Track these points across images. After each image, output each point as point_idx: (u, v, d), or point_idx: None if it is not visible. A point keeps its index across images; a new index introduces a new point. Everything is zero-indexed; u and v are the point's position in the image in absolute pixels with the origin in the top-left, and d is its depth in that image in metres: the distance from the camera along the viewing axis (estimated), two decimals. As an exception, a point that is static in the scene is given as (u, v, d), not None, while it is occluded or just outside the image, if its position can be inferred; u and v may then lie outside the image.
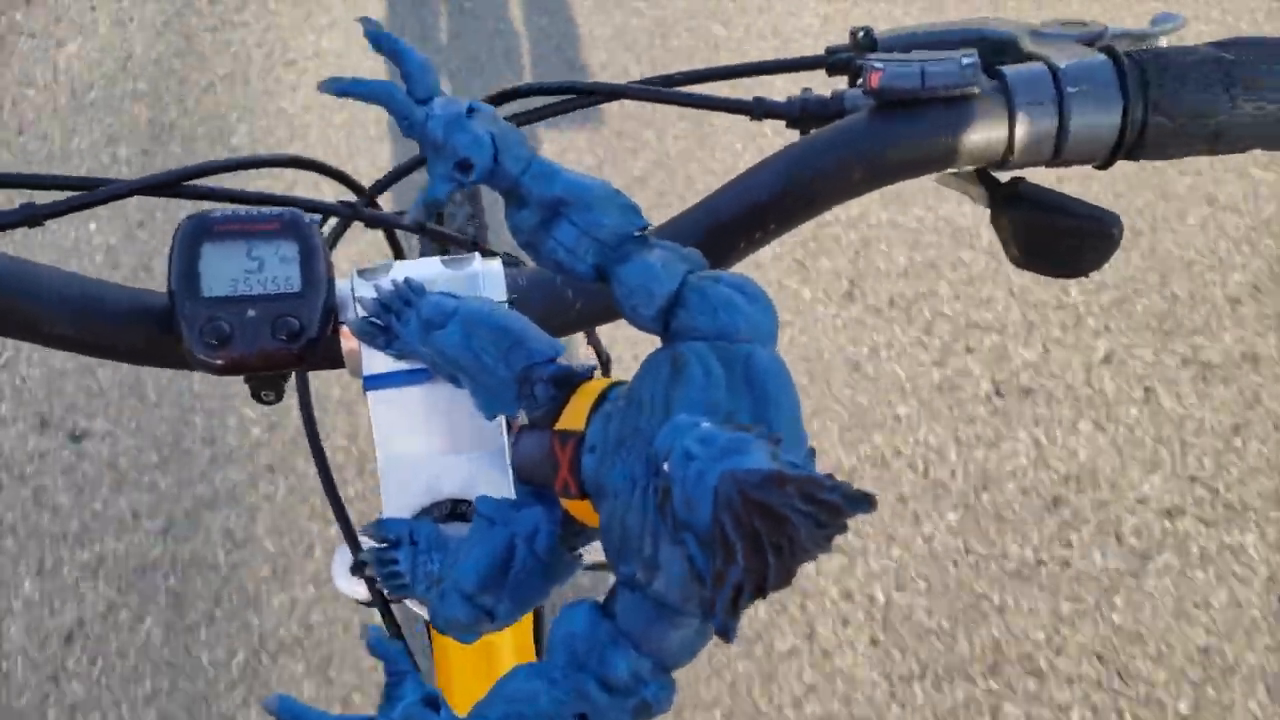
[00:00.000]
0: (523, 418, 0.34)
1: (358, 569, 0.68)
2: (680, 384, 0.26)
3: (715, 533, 0.21)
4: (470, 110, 0.29)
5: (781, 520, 0.20)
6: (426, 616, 0.44)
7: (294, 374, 0.48)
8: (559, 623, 0.27)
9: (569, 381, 0.32)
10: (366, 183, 0.52)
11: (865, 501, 0.20)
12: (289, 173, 1.66)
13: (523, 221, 0.30)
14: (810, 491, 0.20)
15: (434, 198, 0.28)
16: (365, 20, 0.29)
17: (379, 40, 0.28)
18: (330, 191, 1.61)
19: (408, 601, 0.44)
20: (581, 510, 0.31)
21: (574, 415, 0.31)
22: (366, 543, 0.50)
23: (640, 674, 0.26)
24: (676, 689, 0.27)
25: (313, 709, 0.22)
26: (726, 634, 0.23)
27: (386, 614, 0.47)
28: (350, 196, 0.53)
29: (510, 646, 0.56)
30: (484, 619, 0.32)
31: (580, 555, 0.34)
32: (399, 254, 0.62)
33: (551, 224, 0.30)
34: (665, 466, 0.23)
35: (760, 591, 0.22)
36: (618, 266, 0.29)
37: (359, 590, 0.66)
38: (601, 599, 0.28)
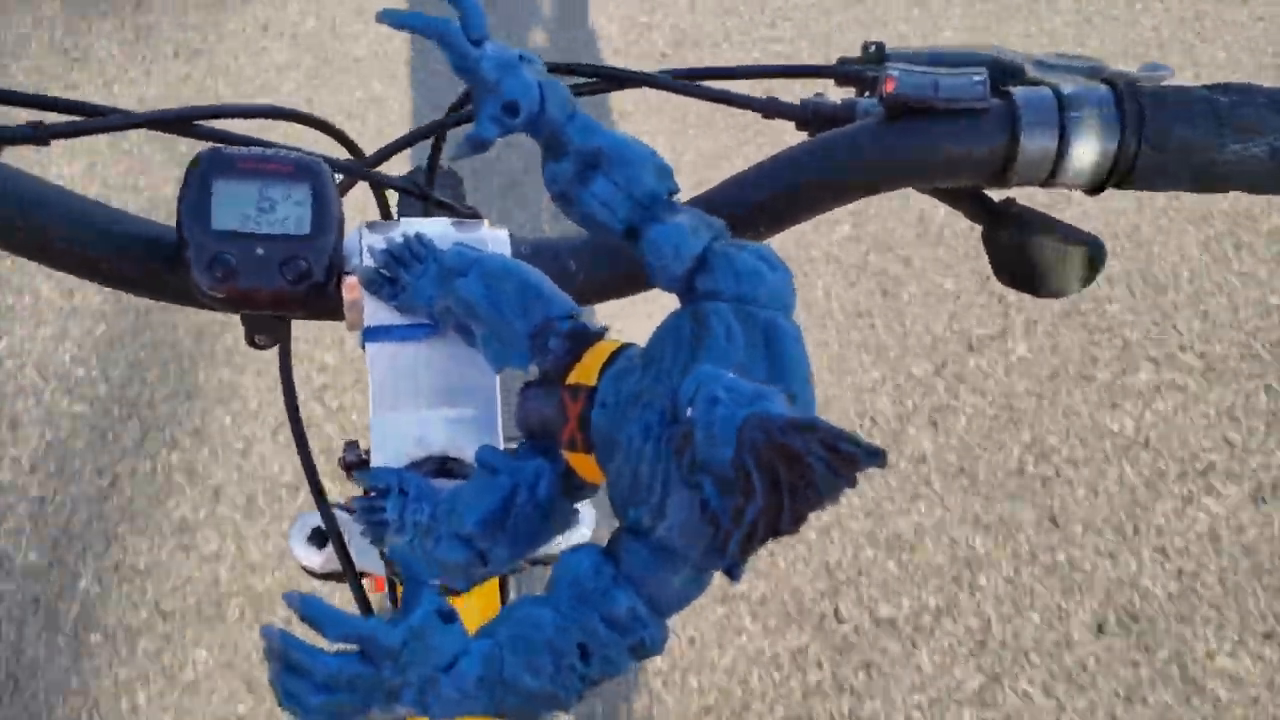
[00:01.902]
0: (532, 373, 0.35)
1: (318, 538, 0.67)
2: (702, 341, 0.27)
3: (737, 472, 0.22)
4: (521, 57, 0.30)
5: (802, 464, 0.21)
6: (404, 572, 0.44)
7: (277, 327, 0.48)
8: (563, 563, 0.28)
9: (583, 338, 0.33)
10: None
11: (878, 455, 0.21)
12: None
13: (560, 173, 0.31)
14: (830, 441, 0.21)
15: (480, 137, 0.29)
16: None
17: None
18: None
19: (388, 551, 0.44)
20: (583, 464, 0.32)
21: (585, 371, 0.32)
22: (341, 516, 0.49)
23: (639, 615, 0.26)
24: (670, 635, 0.27)
25: (335, 609, 0.23)
26: (734, 572, 0.24)
27: (354, 582, 0.47)
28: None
29: (477, 619, 0.56)
30: (478, 563, 0.33)
31: (577, 510, 0.34)
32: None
33: (588, 177, 0.30)
34: (689, 411, 0.23)
35: (773, 531, 0.23)
36: (649, 225, 0.30)
37: (316, 560, 0.65)
38: (604, 545, 0.29)
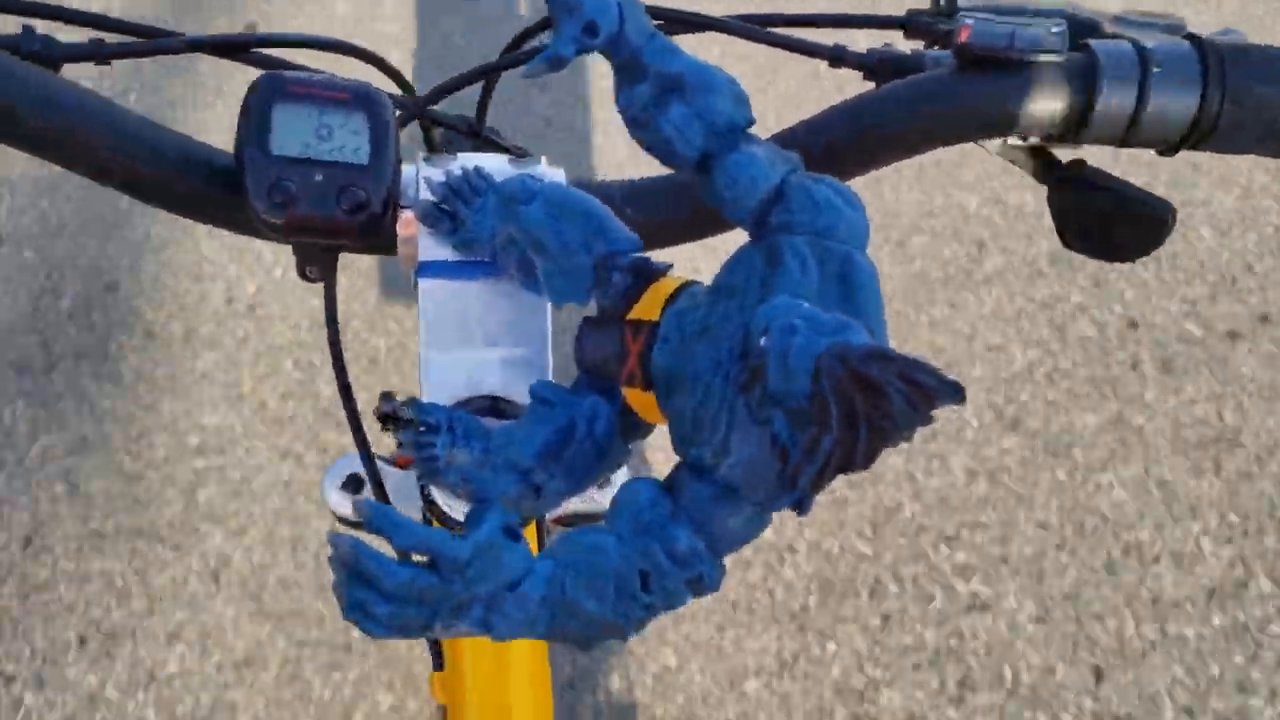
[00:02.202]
0: (591, 309, 0.34)
1: (352, 485, 0.68)
2: (776, 274, 0.27)
3: (813, 402, 0.22)
4: None
5: (881, 395, 0.21)
6: (459, 516, 0.44)
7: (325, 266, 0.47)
8: (622, 496, 0.27)
9: (646, 273, 0.32)
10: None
11: (956, 391, 0.20)
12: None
13: (637, 97, 0.30)
14: (909, 373, 0.20)
15: (558, 55, 0.28)
16: None
17: None
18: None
19: (441, 501, 0.44)
20: (642, 402, 0.32)
21: (648, 307, 0.31)
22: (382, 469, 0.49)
23: (698, 552, 0.26)
24: (725, 573, 0.27)
25: (404, 517, 0.22)
26: (803, 506, 0.24)
27: None
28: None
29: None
30: (531, 495, 0.33)
31: (630, 450, 0.34)
32: None
33: (665, 102, 0.30)
34: (763, 341, 0.23)
35: (846, 465, 0.22)
36: (724, 155, 0.29)
37: (350, 507, 0.66)
38: (663, 478, 0.28)
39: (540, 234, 0.35)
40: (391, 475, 0.53)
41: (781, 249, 0.27)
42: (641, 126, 0.30)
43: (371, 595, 0.22)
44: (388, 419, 0.93)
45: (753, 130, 0.31)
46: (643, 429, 0.33)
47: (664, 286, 0.32)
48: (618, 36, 0.29)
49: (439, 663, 0.53)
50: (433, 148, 0.60)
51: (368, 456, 0.46)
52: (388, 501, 0.48)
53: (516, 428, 0.34)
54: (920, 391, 0.20)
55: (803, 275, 0.26)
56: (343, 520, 0.66)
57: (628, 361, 0.31)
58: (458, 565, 0.22)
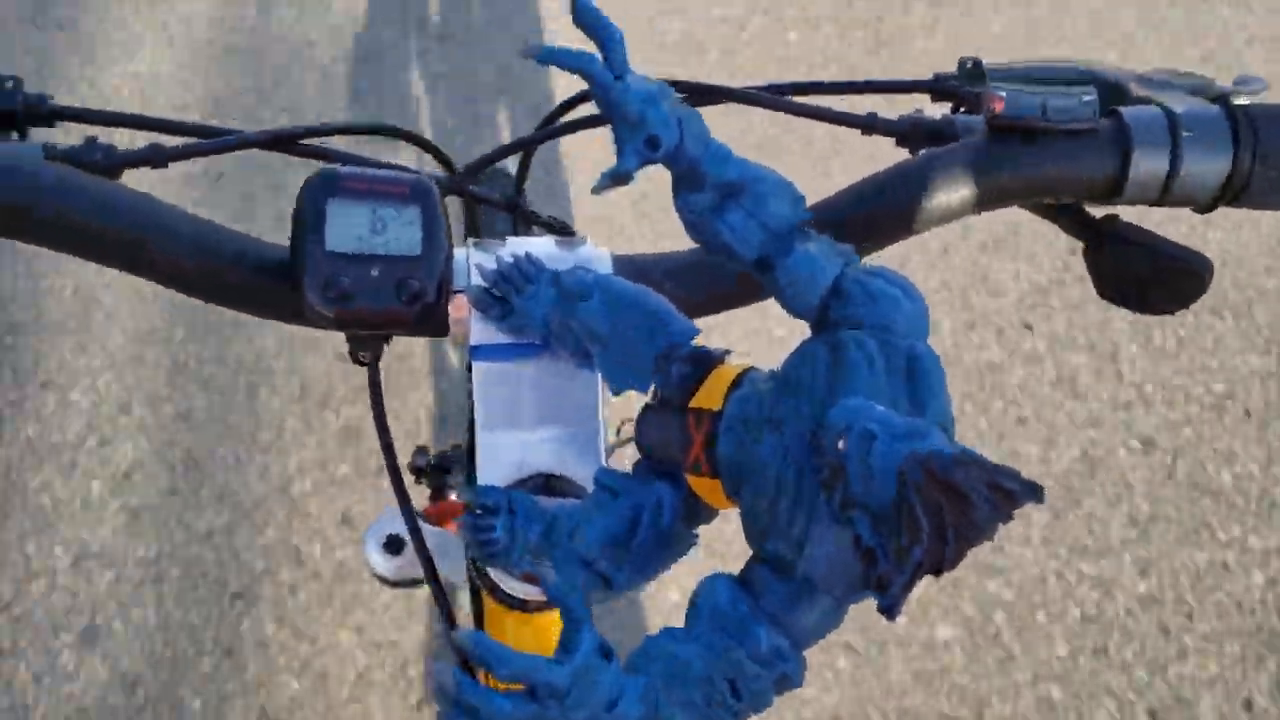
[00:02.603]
0: (650, 395, 0.35)
1: (393, 545, 0.68)
2: (843, 369, 0.27)
3: (900, 511, 0.22)
4: (660, 91, 0.30)
5: (966, 502, 0.21)
6: (509, 588, 0.45)
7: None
8: (700, 597, 0.28)
9: (706, 362, 0.33)
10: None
11: (1036, 491, 0.21)
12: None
13: (696, 203, 0.31)
14: (993, 478, 0.21)
15: (624, 170, 0.29)
16: None
17: (584, 12, 0.29)
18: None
19: (492, 572, 0.44)
20: (707, 489, 0.32)
21: (709, 395, 0.32)
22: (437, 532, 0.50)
23: (781, 651, 0.26)
24: (807, 669, 0.28)
25: (504, 647, 0.23)
26: (893, 611, 0.24)
27: (436, 588, 0.47)
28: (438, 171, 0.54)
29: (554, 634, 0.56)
30: (600, 586, 0.33)
31: (696, 535, 0.35)
32: (478, 236, 0.63)
33: (723, 208, 0.31)
34: (840, 445, 0.23)
35: (936, 570, 0.23)
36: (783, 256, 0.30)
37: (390, 566, 0.66)
38: (738, 573, 0.29)
39: (599, 328, 0.35)
40: (431, 535, 0.54)
41: (846, 345, 0.28)
42: (700, 230, 0.31)
43: None
44: (420, 472, 0.93)
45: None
46: (706, 514, 0.34)
47: (724, 374, 0.32)
48: (677, 149, 0.30)
49: None
50: (473, 219, 0.61)
51: (412, 525, 0.47)
52: (433, 564, 0.48)
53: (579, 514, 0.35)
54: (1003, 494, 0.21)
55: (870, 372, 0.27)
56: (382, 580, 0.67)
57: (691, 449, 0.32)
58: (556, 692, 0.23)
